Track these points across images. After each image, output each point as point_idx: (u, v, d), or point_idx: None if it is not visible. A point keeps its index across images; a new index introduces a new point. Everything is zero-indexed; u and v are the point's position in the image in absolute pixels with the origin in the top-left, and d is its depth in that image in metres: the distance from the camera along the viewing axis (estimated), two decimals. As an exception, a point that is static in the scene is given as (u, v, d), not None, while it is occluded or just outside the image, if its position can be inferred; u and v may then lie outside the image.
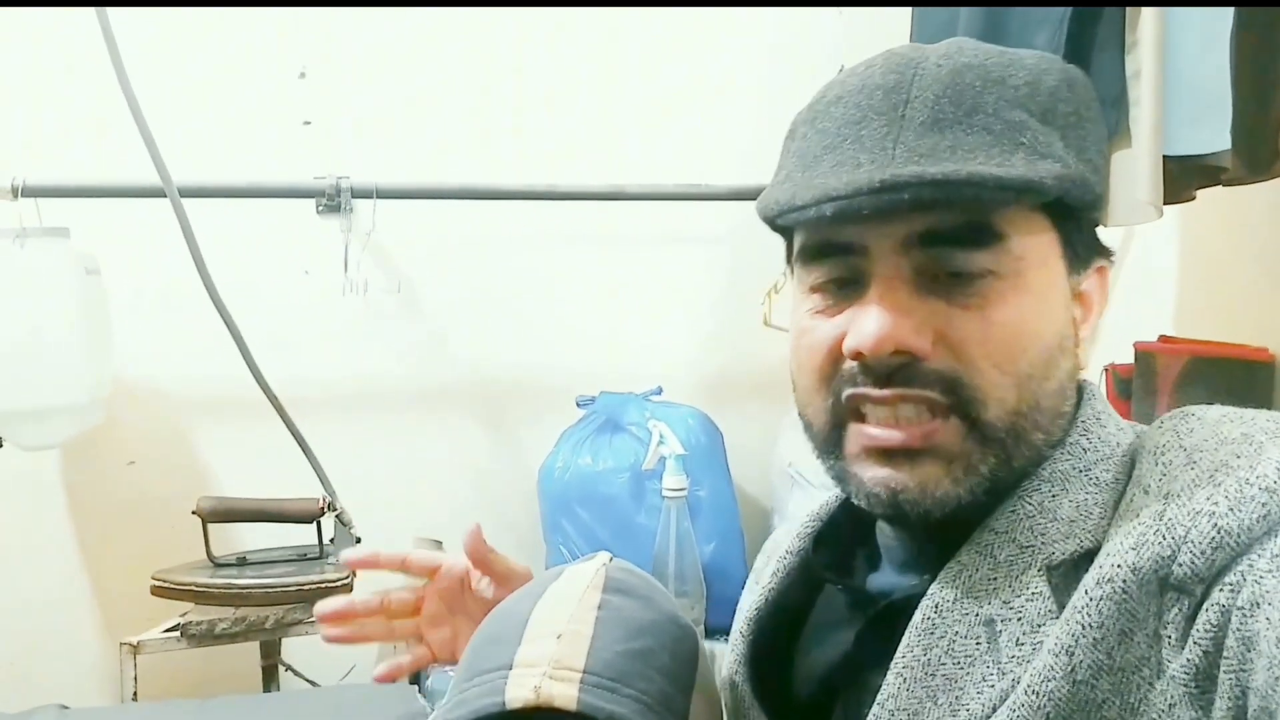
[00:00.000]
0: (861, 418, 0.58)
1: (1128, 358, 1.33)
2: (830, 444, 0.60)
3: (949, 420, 0.56)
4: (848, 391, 0.58)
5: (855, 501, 0.60)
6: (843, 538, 0.69)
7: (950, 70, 0.56)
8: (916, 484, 0.56)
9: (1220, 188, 1.29)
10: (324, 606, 0.83)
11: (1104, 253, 0.62)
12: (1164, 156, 1.20)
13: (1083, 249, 0.60)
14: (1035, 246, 0.57)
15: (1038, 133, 0.55)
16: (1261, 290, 1.29)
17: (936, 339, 0.56)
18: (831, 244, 0.59)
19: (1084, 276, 0.60)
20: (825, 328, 0.59)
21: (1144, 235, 1.44)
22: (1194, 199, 1.32)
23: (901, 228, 0.56)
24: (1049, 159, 0.55)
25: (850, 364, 0.58)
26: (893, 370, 0.56)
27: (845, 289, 0.59)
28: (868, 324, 0.56)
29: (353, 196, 1.65)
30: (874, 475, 0.57)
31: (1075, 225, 0.59)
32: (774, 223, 0.61)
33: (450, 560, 0.85)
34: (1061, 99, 0.57)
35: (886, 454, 0.57)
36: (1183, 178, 1.27)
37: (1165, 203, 1.22)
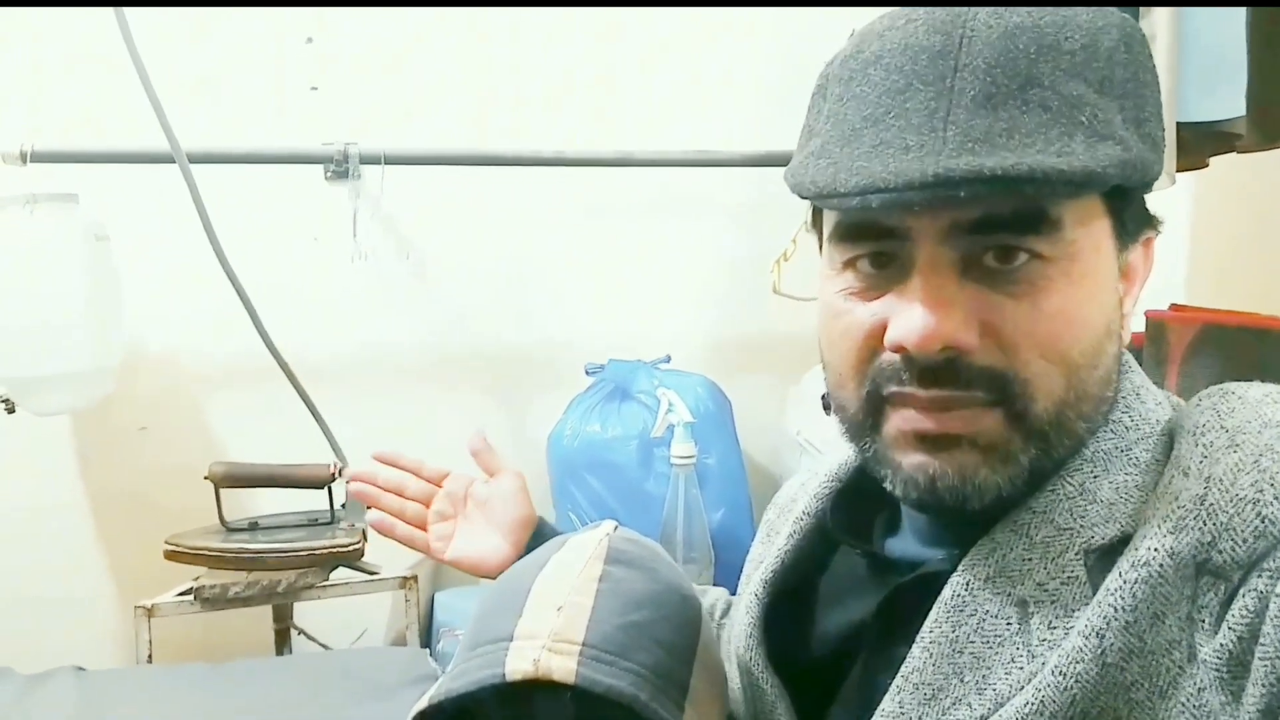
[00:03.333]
0: (903, 404, 0.56)
1: (1138, 326, 1.32)
2: (865, 428, 0.58)
3: (993, 411, 0.54)
4: (890, 389, 0.56)
5: (888, 487, 0.58)
6: (860, 500, 0.67)
7: (1002, 33, 0.52)
8: (955, 471, 0.54)
9: (1234, 155, 1.28)
10: (359, 471, 0.99)
11: (1153, 223, 0.59)
12: (1178, 123, 1.19)
13: (1132, 223, 0.57)
14: (1089, 228, 0.54)
15: (1096, 108, 0.52)
16: (1274, 258, 1.28)
17: (983, 330, 0.53)
18: (872, 227, 0.55)
19: (1132, 250, 0.58)
20: (862, 313, 0.56)
21: (1156, 203, 1.44)
22: (1207, 166, 1.31)
23: (951, 214, 0.53)
24: (1109, 140, 0.51)
25: (891, 356, 0.55)
26: (938, 368, 0.53)
27: (883, 270, 0.56)
28: (914, 319, 0.53)
29: (361, 163, 1.64)
30: (913, 461, 0.55)
31: (1128, 202, 0.56)
32: (808, 199, 0.58)
33: (453, 470, 0.99)
34: (1119, 62, 0.53)
35: (925, 439, 0.55)
36: (1196, 145, 1.26)
37: (1179, 170, 1.21)
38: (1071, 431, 0.55)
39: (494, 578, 0.85)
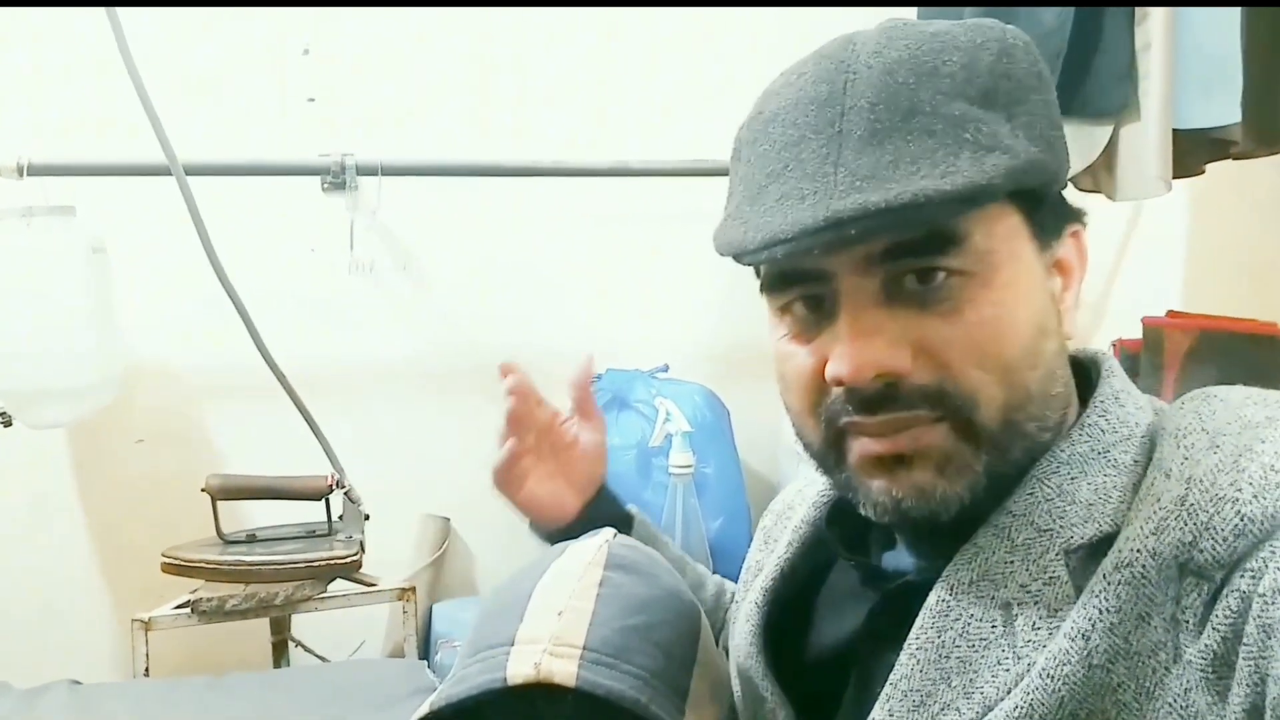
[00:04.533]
0: (857, 433, 0.58)
1: (1136, 333, 1.32)
2: (831, 460, 0.60)
3: (940, 426, 0.55)
4: (841, 421, 0.57)
5: (863, 513, 0.59)
6: (857, 512, 0.68)
7: (881, 70, 0.54)
8: (914, 490, 0.56)
9: (1230, 161, 1.28)
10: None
11: (1074, 217, 0.61)
12: (1174, 130, 1.19)
13: (1050, 221, 0.58)
14: (1001, 236, 0.55)
15: (980, 122, 0.53)
16: (1271, 265, 1.28)
17: (916, 351, 0.55)
18: (794, 273, 0.58)
19: (1058, 246, 0.59)
20: (803, 355, 0.59)
21: (1152, 209, 1.44)
22: (1203, 173, 1.31)
23: (862, 248, 0.54)
24: (996, 151, 0.53)
25: (836, 390, 0.57)
26: (879, 395, 0.55)
27: (815, 312, 0.58)
28: (844, 353, 0.55)
29: (358, 174, 1.65)
30: (876, 486, 0.57)
31: (1038, 202, 0.57)
32: (725, 256, 0.60)
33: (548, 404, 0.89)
34: (1001, 74, 0.55)
35: (883, 464, 0.56)
36: (1192, 151, 1.26)
37: (1174, 177, 1.21)
38: (1023, 433, 0.56)
39: (552, 531, 0.86)
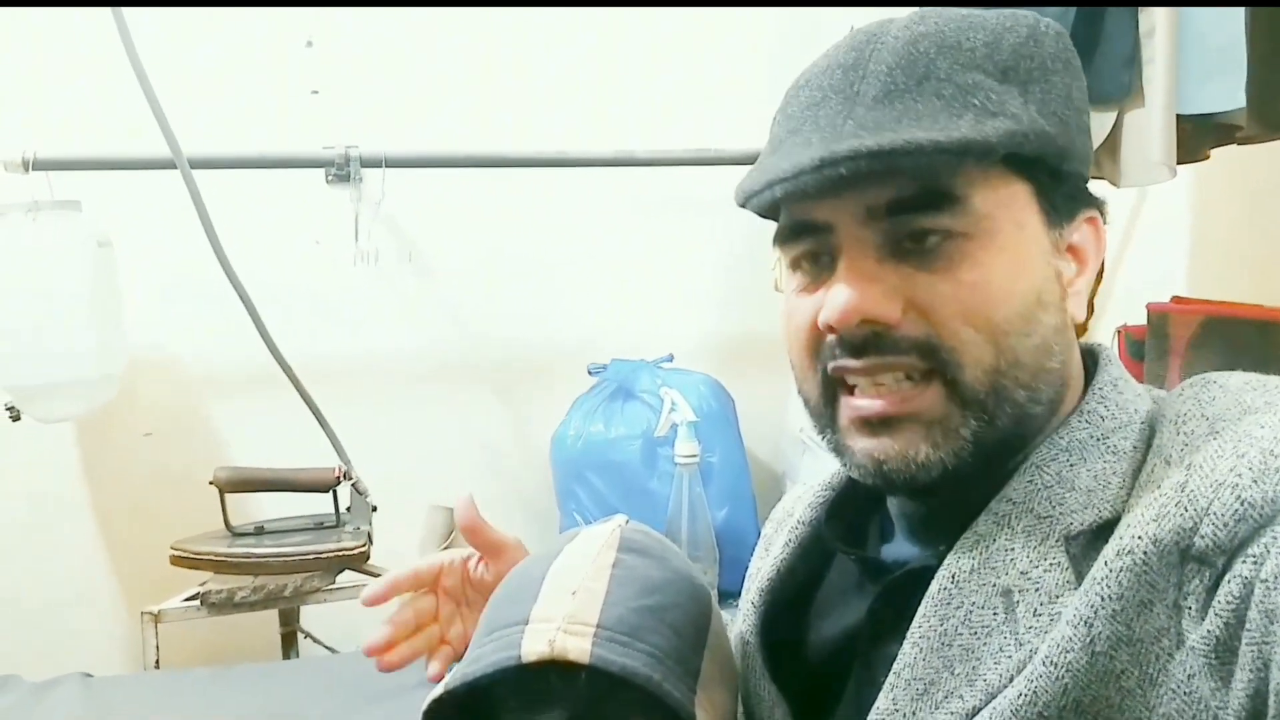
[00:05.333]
0: (849, 390, 0.59)
1: (1140, 319, 1.32)
2: (825, 419, 0.61)
3: (930, 385, 0.56)
4: (830, 365, 0.59)
5: (850, 474, 0.61)
6: (855, 507, 0.69)
7: (907, 40, 0.57)
8: (898, 452, 0.57)
9: (1235, 146, 1.28)
10: (373, 640, 0.81)
11: (1091, 203, 0.61)
12: (1177, 115, 1.19)
13: (1063, 201, 0.59)
14: (1004, 203, 0.56)
15: (992, 91, 0.55)
16: (1276, 250, 1.28)
17: (907, 306, 0.56)
18: (801, 223, 0.60)
19: (1071, 229, 0.60)
20: (806, 305, 0.60)
21: (1157, 195, 1.43)
22: (1208, 158, 1.31)
23: (862, 200, 0.56)
24: (1000, 117, 0.54)
25: (830, 338, 0.58)
26: (866, 340, 0.56)
27: (820, 265, 0.60)
28: (835, 297, 0.56)
29: (362, 166, 1.65)
30: (861, 446, 0.58)
31: (1051, 179, 0.58)
32: (747, 208, 0.63)
33: (446, 558, 0.84)
34: (1025, 54, 0.57)
35: (871, 424, 0.58)
36: (1196, 137, 1.26)
37: (1179, 162, 1.21)
38: (1012, 400, 0.56)
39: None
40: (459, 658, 0.81)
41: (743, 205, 0.61)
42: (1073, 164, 0.59)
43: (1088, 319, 0.63)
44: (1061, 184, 0.59)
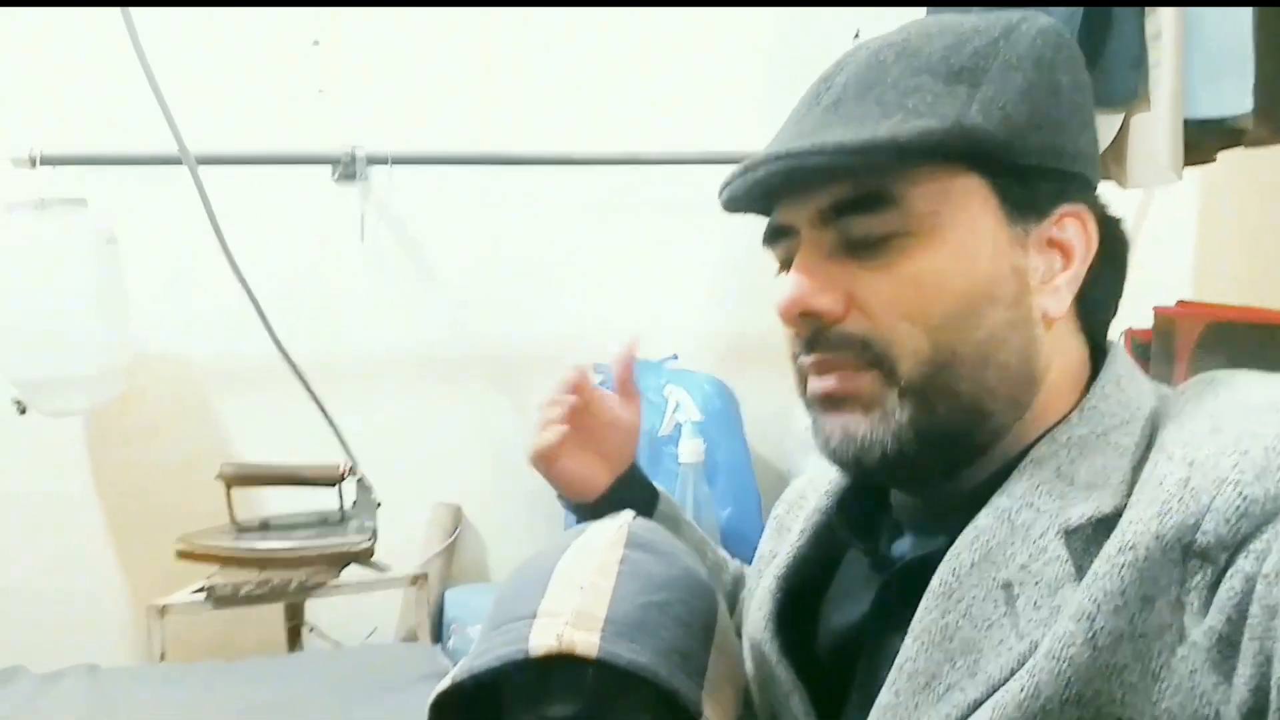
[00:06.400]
0: (805, 371, 0.63)
1: (1147, 322, 1.32)
2: (805, 402, 0.65)
3: (869, 372, 0.59)
4: (797, 359, 0.64)
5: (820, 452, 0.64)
6: (866, 500, 0.70)
7: (875, 50, 0.60)
8: (841, 429, 0.60)
9: (1241, 150, 1.28)
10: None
11: (1073, 198, 0.60)
12: (1185, 119, 1.19)
13: (1027, 196, 0.59)
14: (950, 200, 0.58)
15: (930, 93, 0.57)
16: (1281, 254, 1.28)
17: (850, 303, 0.59)
18: (774, 227, 0.65)
19: (1046, 225, 0.59)
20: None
21: (1163, 198, 1.43)
22: (1214, 161, 1.31)
23: (813, 204, 0.60)
24: (926, 117, 0.56)
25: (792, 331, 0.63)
26: (814, 335, 0.60)
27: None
28: (782, 291, 0.61)
29: (368, 164, 1.65)
30: (819, 425, 0.63)
31: (1011, 175, 0.58)
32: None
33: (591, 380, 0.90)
34: (987, 54, 0.58)
35: (823, 404, 0.62)
36: (1203, 140, 1.26)
37: (1185, 165, 1.21)
38: (954, 391, 0.58)
39: (580, 504, 0.87)
40: (544, 453, 0.86)
41: (721, 205, 0.67)
42: (1037, 159, 0.58)
43: (1104, 316, 0.63)
44: (1025, 180, 0.59)
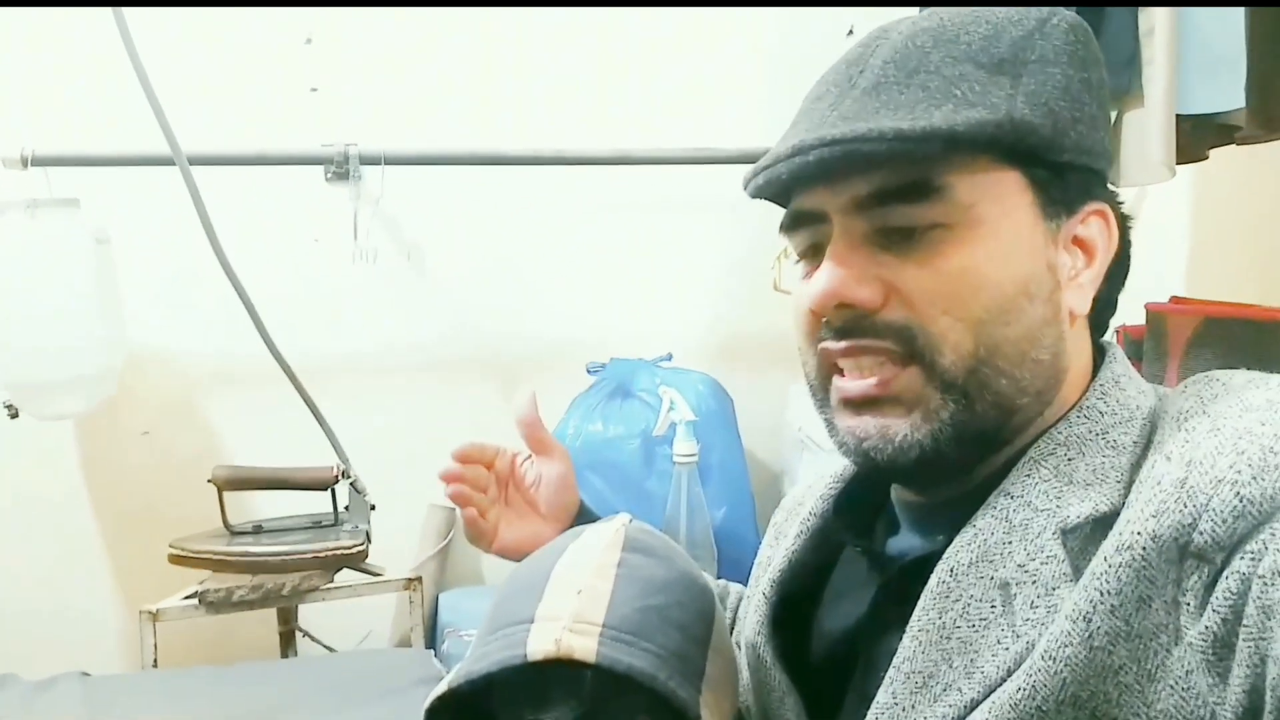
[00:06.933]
0: (839, 372, 0.61)
1: (1140, 319, 1.32)
2: (821, 398, 0.63)
3: (908, 368, 0.57)
4: (819, 346, 0.61)
5: (839, 453, 0.62)
6: (864, 500, 0.69)
7: (908, 35, 0.59)
8: (878, 431, 0.58)
9: (1234, 147, 1.28)
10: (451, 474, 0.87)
11: (1097, 196, 0.61)
12: (1177, 115, 1.19)
13: (1059, 192, 0.59)
14: (991, 193, 0.57)
15: (977, 82, 0.56)
16: (1275, 251, 1.28)
17: (890, 293, 0.57)
18: (799, 212, 0.62)
19: (1073, 222, 0.60)
20: (804, 290, 0.62)
21: (1156, 195, 1.44)
22: (1207, 158, 1.31)
23: (850, 191, 0.58)
24: (978, 107, 0.55)
25: (821, 320, 0.61)
26: (848, 324, 0.58)
27: (819, 255, 0.61)
28: (816, 282, 0.59)
29: (361, 163, 1.65)
30: (846, 425, 0.60)
31: (1047, 170, 0.58)
32: (749, 194, 0.65)
33: (500, 446, 0.89)
34: (1025, 46, 0.57)
35: (855, 404, 0.59)
36: (1196, 137, 1.26)
37: (1178, 162, 1.21)
38: (991, 387, 0.57)
39: None
40: (479, 536, 0.85)
41: (748, 192, 0.64)
42: (1071, 155, 0.58)
43: (1110, 314, 0.63)
44: (1060, 176, 0.59)
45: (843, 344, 0.59)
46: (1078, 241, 0.60)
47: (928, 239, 0.57)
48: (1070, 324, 0.60)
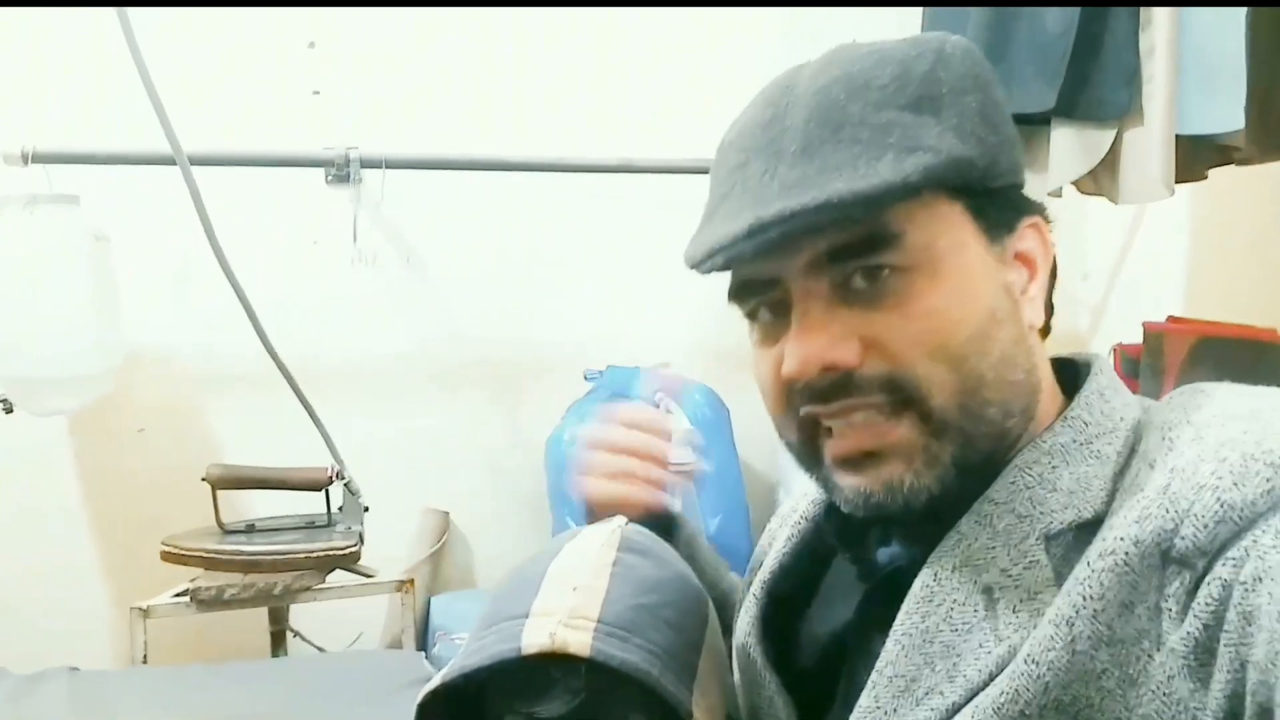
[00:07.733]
0: (827, 431, 0.60)
1: (1136, 337, 1.33)
2: (809, 460, 0.62)
3: (903, 417, 0.56)
4: (802, 410, 0.60)
5: (843, 509, 0.61)
6: None
7: (817, 89, 0.58)
8: (882, 486, 0.57)
9: (1232, 167, 1.29)
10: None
11: (1030, 210, 0.62)
12: (1176, 136, 1.19)
13: (998, 214, 0.59)
14: (942, 230, 0.57)
15: (907, 126, 0.56)
16: (1271, 271, 1.28)
17: (865, 346, 0.57)
18: (750, 281, 0.61)
19: (1014, 238, 0.60)
20: (768, 358, 0.61)
21: (1154, 214, 1.44)
22: (1206, 178, 1.32)
23: (803, 253, 0.57)
24: (918, 151, 0.55)
25: (798, 384, 0.59)
26: (832, 386, 0.57)
27: (778, 316, 0.60)
28: (793, 350, 0.57)
29: (361, 167, 1.65)
30: (847, 484, 0.59)
31: (984, 196, 0.59)
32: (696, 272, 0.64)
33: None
34: (934, 80, 0.57)
35: (853, 462, 0.58)
36: (1195, 156, 1.26)
37: (1177, 181, 1.21)
38: (985, 418, 0.57)
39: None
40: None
41: (692, 269, 0.63)
42: (1003, 178, 0.59)
43: (1048, 319, 0.63)
44: (994, 198, 0.59)
45: (831, 406, 0.58)
46: (1019, 257, 0.61)
47: (891, 286, 0.56)
48: (1030, 338, 0.60)
